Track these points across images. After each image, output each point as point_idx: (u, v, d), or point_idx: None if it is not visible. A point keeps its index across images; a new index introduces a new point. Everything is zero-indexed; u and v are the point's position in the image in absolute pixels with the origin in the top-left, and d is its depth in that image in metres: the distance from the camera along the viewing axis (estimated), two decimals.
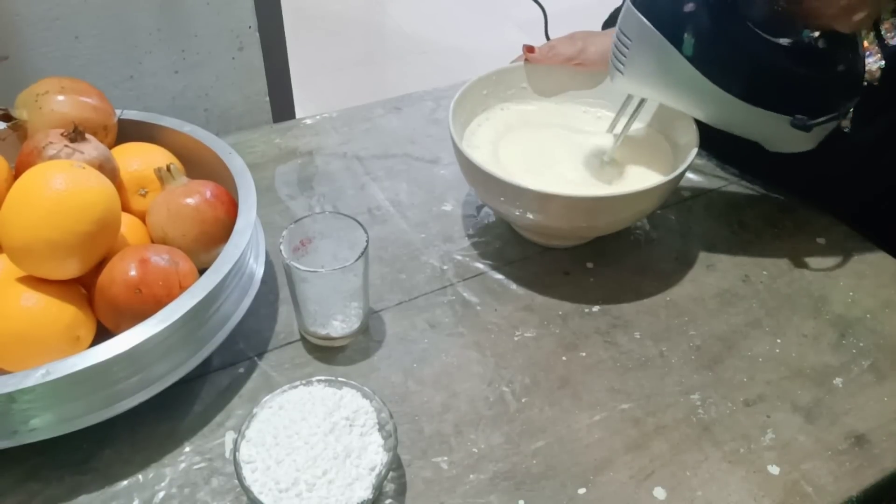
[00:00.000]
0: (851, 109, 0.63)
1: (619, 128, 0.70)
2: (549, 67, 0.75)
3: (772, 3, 0.57)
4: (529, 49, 0.75)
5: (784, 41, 0.59)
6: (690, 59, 0.59)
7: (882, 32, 0.65)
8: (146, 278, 0.51)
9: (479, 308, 0.64)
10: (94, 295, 0.53)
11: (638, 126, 0.72)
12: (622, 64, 0.62)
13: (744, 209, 0.76)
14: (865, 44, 0.63)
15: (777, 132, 0.64)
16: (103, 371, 0.47)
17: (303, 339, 0.60)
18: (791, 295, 0.66)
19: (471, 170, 0.63)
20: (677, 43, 0.58)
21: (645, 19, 0.58)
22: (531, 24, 0.74)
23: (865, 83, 0.63)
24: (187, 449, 0.52)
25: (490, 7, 2.79)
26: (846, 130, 0.68)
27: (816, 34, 0.59)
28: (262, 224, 0.67)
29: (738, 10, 0.58)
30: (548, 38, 0.76)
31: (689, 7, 0.57)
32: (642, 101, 0.67)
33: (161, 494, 0.49)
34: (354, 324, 0.59)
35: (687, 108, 0.65)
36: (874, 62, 0.66)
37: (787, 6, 0.57)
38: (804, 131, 0.61)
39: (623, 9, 0.61)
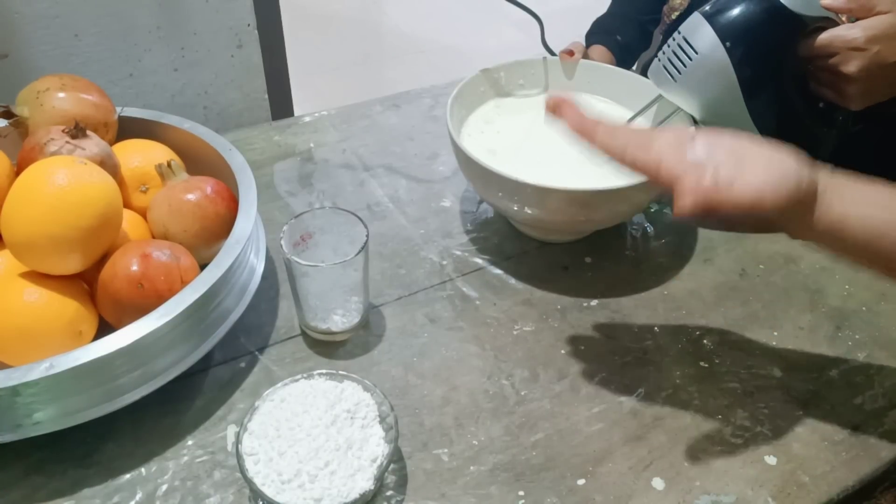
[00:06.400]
0: None
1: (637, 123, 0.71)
2: (546, 63, 0.76)
3: (806, 62, 0.62)
4: (569, 53, 0.76)
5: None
6: (742, 88, 0.61)
7: None
8: (148, 273, 0.52)
9: (478, 302, 0.64)
10: (96, 290, 0.53)
11: (636, 121, 0.73)
12: (678, 72, 0.63)
13: None
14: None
15: None
16: (106, 365, 0.47)
17: (303, 333, 0.61)
18: (787, 288, 0.67)
19: (469, 165, 0.63)
20: (739, 72, 0.60)
21: (720, 40, 0.59)
22: (528, 22, 0.74)
23: None
24: (189, 442, 0.52)
25: (487, 6, 2.79)
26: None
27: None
28: (262, 221, 0.67)
29: (792, 61, 0.62)
30: (545, 45, 0.77)
31: (757, 43, 0.60)
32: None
33: (164, 487, 0.49)
34: (355, 318, 0.60)
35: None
36: None
37: (811, 72, 0.63)
38: None
39: (694, 20, 0.61)
